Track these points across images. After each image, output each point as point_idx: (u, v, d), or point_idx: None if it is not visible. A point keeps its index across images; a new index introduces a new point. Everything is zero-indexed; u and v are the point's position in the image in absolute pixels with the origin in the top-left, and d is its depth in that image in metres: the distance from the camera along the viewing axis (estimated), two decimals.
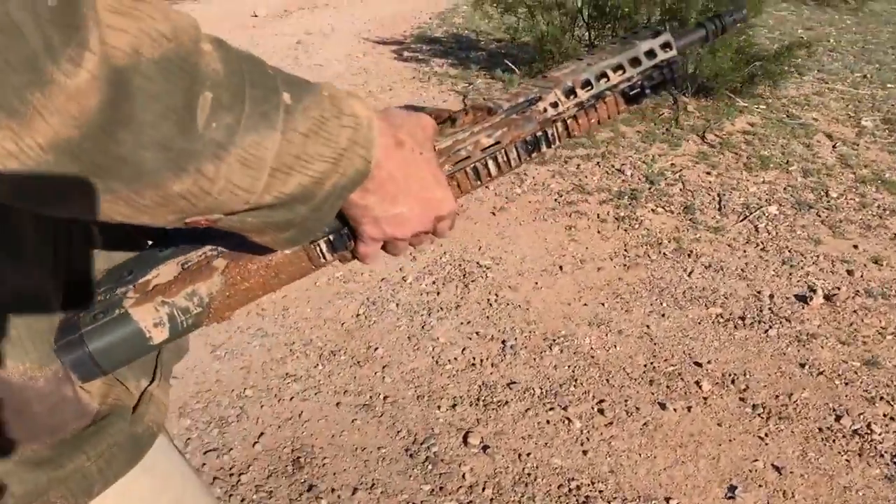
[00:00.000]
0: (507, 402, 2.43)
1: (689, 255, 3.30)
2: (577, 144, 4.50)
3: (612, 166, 4.15)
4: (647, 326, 2.82)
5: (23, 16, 0.40)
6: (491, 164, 0.79)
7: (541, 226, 3.58)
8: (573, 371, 2.58)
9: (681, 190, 3.88)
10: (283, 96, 0.55)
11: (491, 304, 2.96)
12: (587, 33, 5.32)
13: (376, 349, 2.67)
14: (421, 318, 2.85)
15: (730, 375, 2.56)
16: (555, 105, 0.82)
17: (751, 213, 3.62)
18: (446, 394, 2.46)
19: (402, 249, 0.75)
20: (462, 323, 2.83)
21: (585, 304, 2.96)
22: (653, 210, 3.69)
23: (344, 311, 2.90)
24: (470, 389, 2.49)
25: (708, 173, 4.04)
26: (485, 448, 2.25)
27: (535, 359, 2.64)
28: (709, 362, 2.62)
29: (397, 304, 2.94)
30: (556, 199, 3.82)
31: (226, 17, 9.11)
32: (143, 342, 0.66)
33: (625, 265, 3.24)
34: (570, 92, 0.83)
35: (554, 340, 2.74)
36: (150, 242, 0.75)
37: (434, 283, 3.10)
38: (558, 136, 0.83)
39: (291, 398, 2.43)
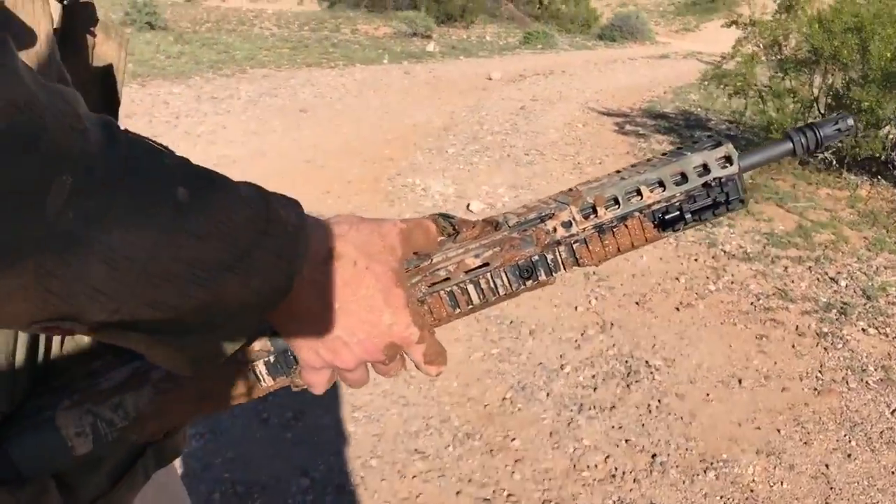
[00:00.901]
0: None
1: None
2: (790, 244, 4.11)
3: (826, 273, 3.74)
4: (827, 466, 2.46)
5: None
6: (472, 289, 0.66)
7: (728, 330, 3.27)
8: (725, 503, 2.29)
9: None
10: (178, 191, 0.47)
11: (650, 411, 2.72)
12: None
13: (513, 440, 2.53)
14: (569, 413, 2.68)
15: None
16: (568, 225, 0.68)
17: None
18: None
19: (358, 381, 0.63)
20: (613, 427, 2.62)
21: (758, 428, 2.64)
22: (863, 330, 3.26)
23: (491, 392, 2.79)
24: None
25: None
26: None
27: (684, 481, 2.38)
28: None
29: (548, 394, 2.78)
30: (752, 303, 3.49)
31: (463, 78, 9.45)
32: (66, 451, 0.62)
33: (815, 389, 2.87)
34: (590, 210, 0.69)
35: (711, 464, 2.45)
36: None
37: (594, 376, 2.91)
38: (562, 262, 0.68)
39: (414, 477, 2.35)
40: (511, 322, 3.27)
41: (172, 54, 10.26)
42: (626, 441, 2.55)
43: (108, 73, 0.72)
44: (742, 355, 3.09)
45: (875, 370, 2.98)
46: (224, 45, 11.59)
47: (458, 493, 2.30)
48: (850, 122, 0.74)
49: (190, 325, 0.52)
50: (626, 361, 3.02)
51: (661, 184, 0.69)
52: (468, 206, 4.51)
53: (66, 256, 0.44)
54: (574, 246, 0.68)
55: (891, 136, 4.73)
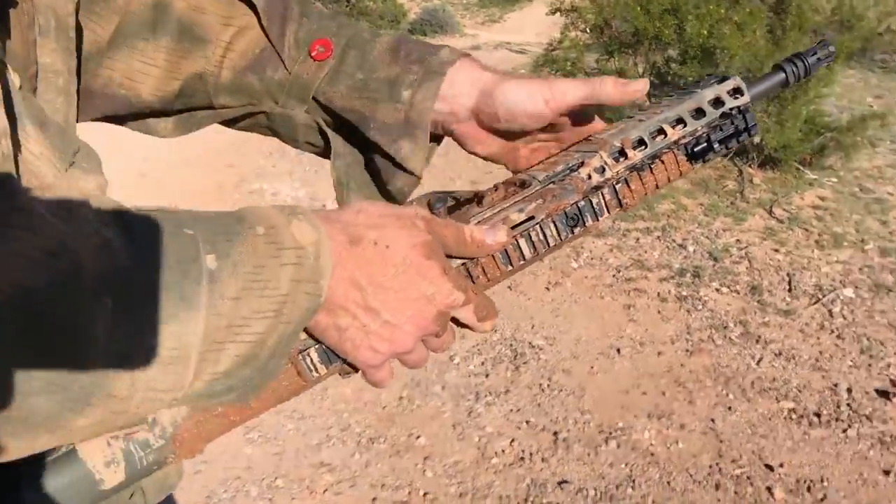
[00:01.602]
0: None
1: (756, 341, 3.07)
2: (636, 216, 4.32)
3: (674, 241, 3.96)
4: (713, 420, 2.60)
5: None
6: (523, 243, 0.64)
7: (597, 304, 3.40)
8: (630, 470, 2.37)
9: (747, 268, 3.66)
10: (206, 262, 0.47)
11: (543, 390, 2.77)
12: (648, 102, 5.18)
13: (418, 437, 2.50)
14: (467, 403, 2.68)
15: (805, 481, 2.32)
16: (601, 170, 0.68)
17: (824, 296, 3.39)
18: (491, 492, 2.27)
19: (420, 361, 0.62)
20: (511, 410, 2.65)
21: (644, 393, 2.76)
22: (717, 290, 3.48)
23: (386, 393, 2.74)
24: (517, 488, 2.29)
25: (776, 251, 3.82)
26: None
27: (589, 454, 2.44)
28: (781, 465, 2.39)
29: (443, 387, 2.77)
30: (613, 275, 3.64)
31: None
32: (93, 487, 0.54)
33: (687, 350, 3.03)
34: (620, 154, 0.69)
35: (610, 434, 2.53)
36: None
37: (483, 363, 2.93)
38: (606, 205, 0.68)
39: (325, 490, 2.27)
40: None
41: None
42: (527, 422, 2.59)
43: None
44: (615, 326, 3.21)
45: (735, 326, 3.19)
46: None
47: (373, 499, 2.25)
48: (831, 48, 0.79)
49: (236, 374, 0.51)
50: (511, 345, 3.06)
51: (681, 121, 0.70)
52: (324, 206, 4.41)
53: (125, 376, 0.43)
54: (616, 187, 0.68)
55: None
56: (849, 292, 3.42)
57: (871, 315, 3.24)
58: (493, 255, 0.63)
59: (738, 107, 0.71)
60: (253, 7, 0.69)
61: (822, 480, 2.32)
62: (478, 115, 0.69)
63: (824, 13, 5.94)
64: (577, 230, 0.66)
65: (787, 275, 3.58)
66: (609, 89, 0.67)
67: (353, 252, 0.54)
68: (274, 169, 5.01)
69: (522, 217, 0.64)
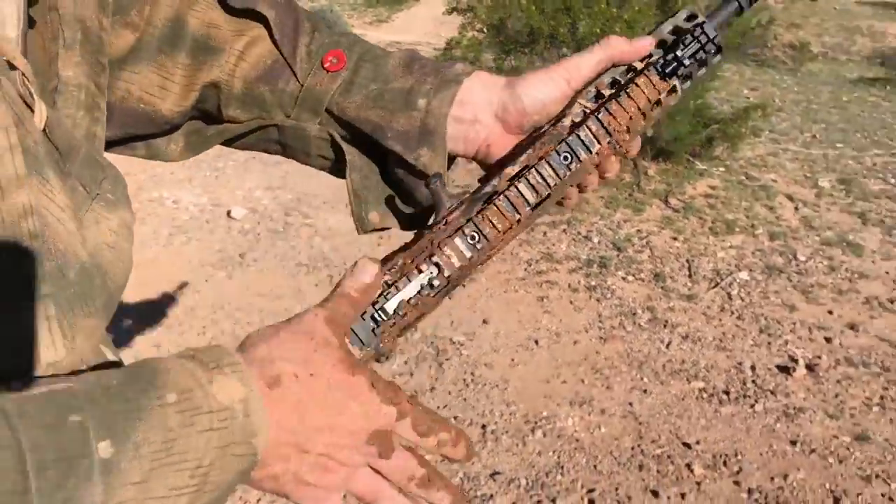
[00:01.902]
0: (492, 496, 2.28)
1: (664, 326, 3.22)
2: None
3: (579, 233, 4.09)
4: (630, 404, 2.72)
5: None
6: (524, 188, 0.67)
7: (512, 297, 3.47)
8: (558, 457, 2.45)
9: (649, 256, 3.82)
10: (98, 451, 0.40)
11: (467, 385, 2.82)
12: None
13: None
14: None
15: (721, 456, 2.46)
16: (582, 115, 0.70)
17: (722, 280, 3.57)
18: None
19: (374, 492, 0.57)
20: (439, 406, 2.69)
21: (564, 382, 2.85)
22: (623, 278, 3.62)
23: None
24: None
25: (675, 238, 4.00)
26: None
27: (517, 444, 2.51)
28: (698, 442, 2.52)
29: None
30: (525, 269, 3.73)
31: None
32: None
33: (601, 338, 3.14)
34: (597, 96, 0.72)
35: (536, 423, 2.61)
36: None
37: (406, 362, 2.96)
38: (594, 135, 0.69)
39: (258, 500, 2.25)
40: None
41: None
42: (455, 418, 2.63)
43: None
44: (530, 318, 3.30)
45: (642, 312, 3.33)
46: None
47: None
48: None
49: None
50: (432, 342, 3.09)
51: (648, 55, 0.73)
52: (229, 212, 4.33)
53: None
54: (599, 116, 0.70)
55: None
56: (744, 275, 3.62)
57: (766, 296, 3.44)
58: (497, 206, 0.66)
59: (698, 24, 0.73)
60: (264, 21, 0.69)
61: (736, 454, 2.46)
62: (504, 116, 0.70)
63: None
64: (573, 166, 0.68)
65: (687, 261, 3.76)
66: (623, 46, 0.69)
67: (274, 396, 0.50)
68: (172, 176, 4.87)
69: (517, 169, 0.67)
